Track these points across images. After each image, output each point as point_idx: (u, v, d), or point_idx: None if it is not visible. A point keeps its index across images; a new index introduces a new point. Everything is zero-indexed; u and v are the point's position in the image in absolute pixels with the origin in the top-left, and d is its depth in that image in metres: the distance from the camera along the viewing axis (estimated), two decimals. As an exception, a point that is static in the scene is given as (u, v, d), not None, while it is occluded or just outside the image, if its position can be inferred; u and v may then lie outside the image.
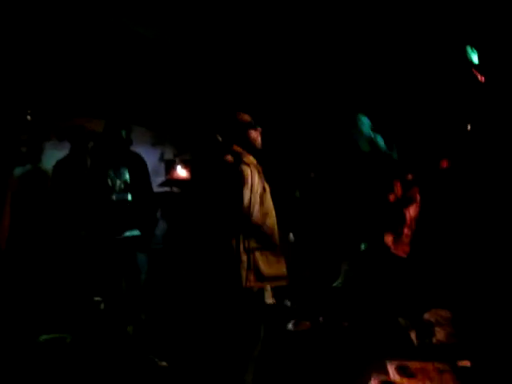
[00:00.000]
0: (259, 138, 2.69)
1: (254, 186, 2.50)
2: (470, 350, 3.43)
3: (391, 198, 5.06)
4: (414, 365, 3.38)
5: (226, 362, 2.53)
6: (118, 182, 3.52)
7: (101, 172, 3.52)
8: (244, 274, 2.42)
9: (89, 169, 3.66)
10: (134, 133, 3.97)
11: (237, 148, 2.64)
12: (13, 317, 3.73)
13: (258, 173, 2.60)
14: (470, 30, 4.23)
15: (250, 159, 2.62)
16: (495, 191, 4.49)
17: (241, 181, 2.47)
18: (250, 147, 2.68)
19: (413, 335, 3.80)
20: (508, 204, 4.10)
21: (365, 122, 4.16)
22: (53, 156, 4.74)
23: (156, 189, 4.66)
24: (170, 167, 5.64)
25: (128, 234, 3.44)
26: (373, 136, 4.12)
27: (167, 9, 4.51)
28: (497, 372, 3.14)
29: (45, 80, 4.82)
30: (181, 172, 5.48)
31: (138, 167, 3.72)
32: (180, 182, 5.40)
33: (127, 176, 3.58)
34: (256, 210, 2.49)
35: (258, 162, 2.66)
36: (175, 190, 5.41)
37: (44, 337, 3.93)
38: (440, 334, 3.72)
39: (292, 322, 4.36)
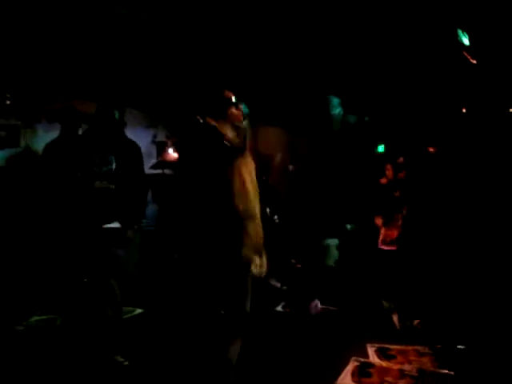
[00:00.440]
0: (241, 116, 2.66)
1: (236, 166, 2.52)
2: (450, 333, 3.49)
3: (383, 180, 5.08)
4: (393, 347, 3.45)
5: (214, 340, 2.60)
6: (104, 168, 3.32)
7: (87, 157, 3.31)
8: (243, 250, 2.48)
9: (75, 152, 3.38)
10: (126, 115, 3.81)
11: (215, 122, 2.58)
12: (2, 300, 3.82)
13: (241, 150, 2.60)
14: (460, 12, 4.18)
15: (231, 136, 2.62)
16: (489, 172, 4.50)
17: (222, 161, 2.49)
18: (232, 124, 2.66)
19: (395, 318, 3.86)
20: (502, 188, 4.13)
21: (334, 103, 4.17)
22: (43, 138, 4.79)
23: (148, 171, 4.65)
24: (161, 149, 5.65)
25: (107, 225, 3.26)
26: (342, 114, 4.14)
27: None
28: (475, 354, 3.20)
29: (36, 62, 4.80)
30: (172, 154, 5.49)
31: (129, 155, 3.49)
32: (172, 163, 5.41)
33: (114, 163, 3.37)
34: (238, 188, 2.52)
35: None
36: (167, 171, 5.43)
37: (35, 318, 4.05)
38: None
39: (282, 303, 4.45)
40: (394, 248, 4.40)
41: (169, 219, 4.27)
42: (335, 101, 4.12)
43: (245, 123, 2.71)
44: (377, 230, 4.64)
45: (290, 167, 4.09)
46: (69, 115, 4.24)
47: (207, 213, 2.54)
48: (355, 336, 3.61)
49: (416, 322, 3.76)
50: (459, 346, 3.34)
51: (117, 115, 3.43)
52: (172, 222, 3.68)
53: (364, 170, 4.37)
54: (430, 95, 5.21)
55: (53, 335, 3.66)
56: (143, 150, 3.77)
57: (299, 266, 4.69)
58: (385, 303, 4.05)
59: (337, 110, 4.09)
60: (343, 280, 4.35)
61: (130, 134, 3.89)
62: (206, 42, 5.30)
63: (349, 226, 4.25)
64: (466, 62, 4.49)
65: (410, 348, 3.44)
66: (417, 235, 4.36)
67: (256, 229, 2.58)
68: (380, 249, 4.44)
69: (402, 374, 3.02)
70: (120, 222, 3.31)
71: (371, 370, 3.07)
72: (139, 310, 4.36)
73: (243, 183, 2.54)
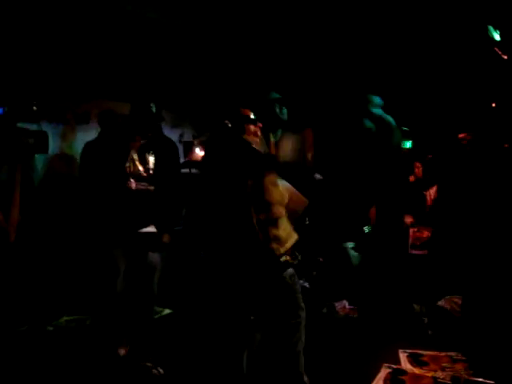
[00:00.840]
0: (258, 132, 2.74)
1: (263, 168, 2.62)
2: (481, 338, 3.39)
3: (411, 178, 4.98)
4: (426, 353, 3.38)
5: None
6: (141, 168, 3.13)
7: (122, 157, 3.09)
8: (272, 246, 2.50)
9: (111, 153, 3.17)
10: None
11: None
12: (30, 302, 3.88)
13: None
14: (491, 8, 4.08)
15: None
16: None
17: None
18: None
19: (426, 322, 3.78)
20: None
21: (375, 102, 4.07)
22: (73, 142, 4.85)
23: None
24: (188, 149, 5.64)
25: (144, 230, 3.12)
26: (382, 114, 4.03)
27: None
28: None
29: (57, 66, 4.81)
30: (199, 153, 5.47)
31: (167, 153, 3.30)
32: (198, 163, 5.38)
33: (152, 163, 3.18)
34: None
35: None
36: (194, 171, 5.42)
37: (65, 318, 4.13)
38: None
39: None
40: (425, 253, 4.29)
41: (196, 219, 4.27)
42: (376, 100, 4.04)
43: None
44: (404, 231, 4.52)
45: (317, 176, 4.02)
46: (108, 116, 4.28)
47: (236, 211, 2.55)
48: (385, 340, 3.53)
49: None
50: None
51: (154, 108, 3.25)
52: (200, 222, 3.65)
53: (391, 167, 4.25)
54: (460, 91, 5.10)
55: (82, 336, 3.72)
56: (170, 150, 3.67)
57: (321, 259, 4.61)
58: (416, 306, 3.96)
59: (377, 110, 4.00)
60: (371, 281, 4.26)
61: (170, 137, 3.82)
62: (236, 41, 5.30)
63: (366, 229, 4.15)
64: (497, 57, 4.38)
65: (442, 354, 3.37)
66: (452, 237, 4.24)
67: (286, 227, 2.60)
68: (410, 254, 4.32)
69: (435, 381, 2.96)
70: (156, 226, 3.19)
71: (404, 378, 3.02)
72: (168, 311, 4.39)
73: (272, 183, 2.60)
